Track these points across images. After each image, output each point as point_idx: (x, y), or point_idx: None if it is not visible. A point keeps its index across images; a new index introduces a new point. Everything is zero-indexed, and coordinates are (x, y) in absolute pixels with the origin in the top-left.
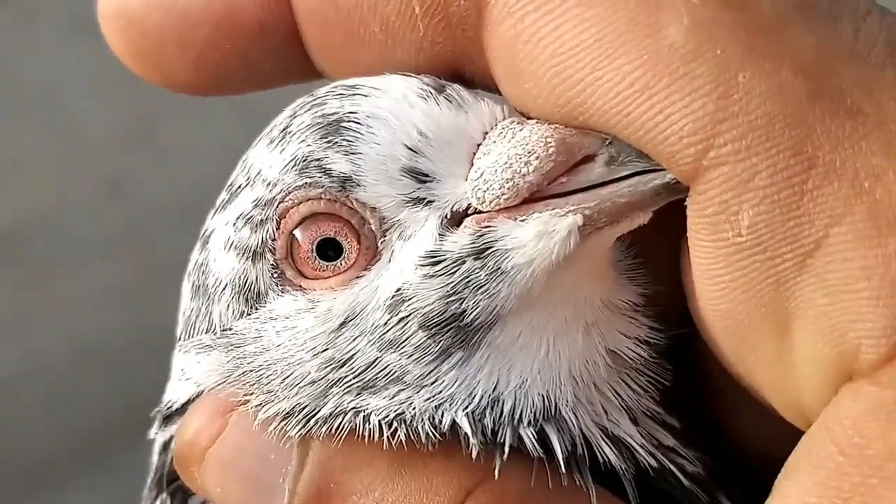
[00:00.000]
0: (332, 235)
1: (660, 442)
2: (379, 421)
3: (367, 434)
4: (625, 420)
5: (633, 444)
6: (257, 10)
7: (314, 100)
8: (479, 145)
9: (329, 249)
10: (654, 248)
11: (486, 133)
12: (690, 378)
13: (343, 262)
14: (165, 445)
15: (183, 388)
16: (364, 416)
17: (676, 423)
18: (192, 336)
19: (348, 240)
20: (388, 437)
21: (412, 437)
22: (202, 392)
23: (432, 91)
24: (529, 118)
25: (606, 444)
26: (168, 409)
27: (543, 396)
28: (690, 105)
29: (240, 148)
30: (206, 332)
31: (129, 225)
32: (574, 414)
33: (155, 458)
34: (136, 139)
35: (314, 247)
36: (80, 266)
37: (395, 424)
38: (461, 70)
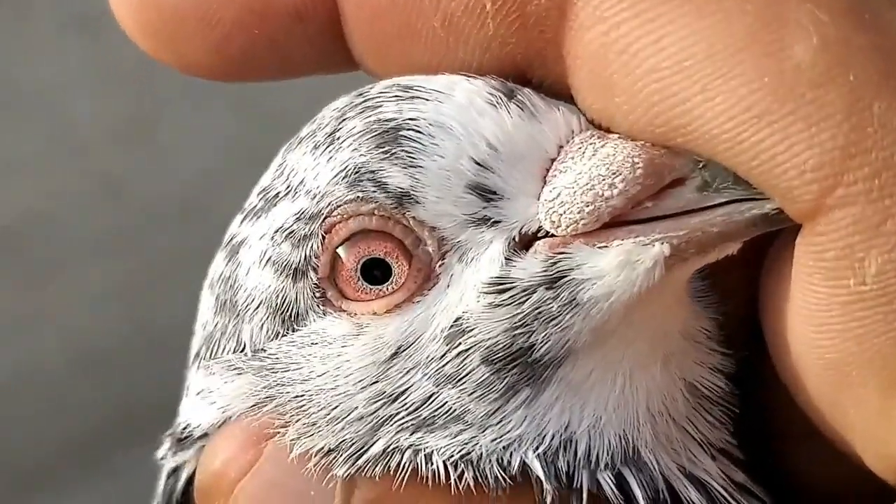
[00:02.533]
0: (381, 256)
1: (732, 479)
2: (444, 462)
3: (428, 475)
4: (704, 456)
5: (713, 483)
6: None
7: (365, 101)
8: (552, 160)
9: (375, 270)
10: (719, 270)
11: (561, 147)
12: (745, 403)
13: (390, 286)
14: (175, 470)
15: (205, 411)
16: (425, 455)
17: (742, 455)
18: (216, 354)
19: (399, 262)
20: (455, 479)
21: (480, 479)
22: (229, 418)
23: (502, 97)
24: (609, 132)
25: (691, 487)
26: (185, 433)
27: (620, 436)
28: (818, 136)
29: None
30: (233, 352)
31: (127, 225)
32: (654, 455)
33: (161, 483)
34: (133, 138)
35: (359, 266)
36: (78, 266)
37: (461, 466)
38: (528, 74)
